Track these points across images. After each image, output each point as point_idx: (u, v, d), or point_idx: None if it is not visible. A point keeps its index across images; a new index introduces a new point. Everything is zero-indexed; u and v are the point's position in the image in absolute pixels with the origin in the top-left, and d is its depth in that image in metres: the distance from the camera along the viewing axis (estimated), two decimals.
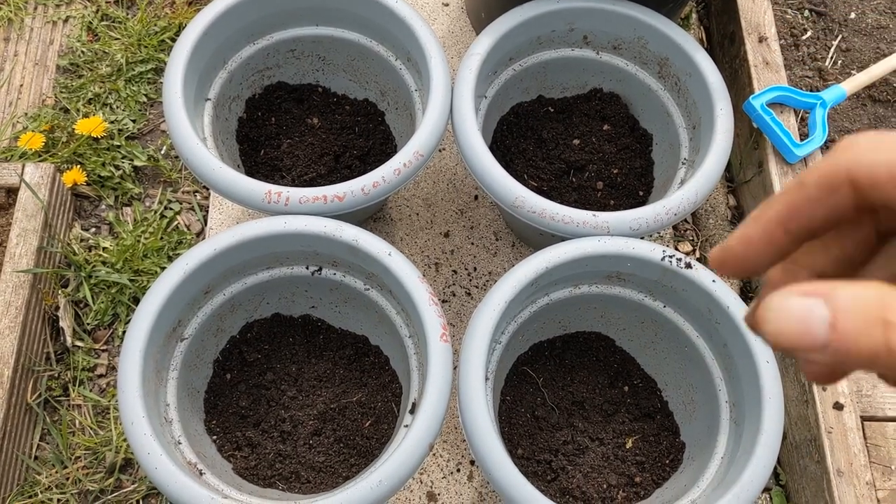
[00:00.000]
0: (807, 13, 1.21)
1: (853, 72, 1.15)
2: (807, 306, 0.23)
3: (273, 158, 1.03)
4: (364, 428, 0.86)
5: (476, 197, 1.11)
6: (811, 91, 1.12)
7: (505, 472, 0.70)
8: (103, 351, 1.02)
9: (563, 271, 0.82)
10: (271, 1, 0.95)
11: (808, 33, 1.19)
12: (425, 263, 1.06)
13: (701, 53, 0.93)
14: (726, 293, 0.79)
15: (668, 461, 0.87)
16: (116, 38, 1.22)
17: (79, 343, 1.01)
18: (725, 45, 1.16)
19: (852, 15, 1.21)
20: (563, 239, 0.83)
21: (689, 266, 0.81)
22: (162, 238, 1.07)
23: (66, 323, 1.01)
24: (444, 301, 1.04)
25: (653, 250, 0.81)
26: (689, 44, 0.94)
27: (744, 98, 1.05)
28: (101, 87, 1.18)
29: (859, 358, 0.22)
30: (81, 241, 1.07)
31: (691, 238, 1.10)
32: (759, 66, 1.07)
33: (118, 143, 1.13)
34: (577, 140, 1.04)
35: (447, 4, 1.25)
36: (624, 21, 0.96)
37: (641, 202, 1.02)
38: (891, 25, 1.20)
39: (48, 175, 1.02)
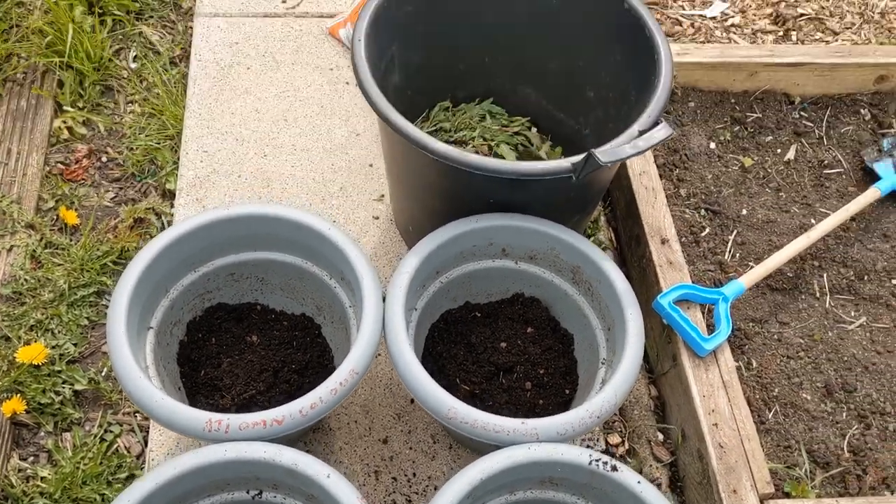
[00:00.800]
0: (703, 212, 1.34)
1: (750, 263, 1.27)
2: None
3: (213, 378, 1.06)
4: None
5: (412, 400, 1.16)
6: (714, 285, 1.22)
7: None
8: None
9: (497, 481, 0.86)
10: (211, 234, 1.02)
11: (707, 230, 1.31)
12: (365, 472, 1.08)
13: (608, 262, 1.02)
14: (652, 494, 0.84)
15: None
16: (59, 264, 1.27)
17: None
18: (633, 245, 1.27)
19: (744, 211, 1.34)
20: (496, 443, 0.87)
21: (615, 469, 0.85)
22: (101, 463, 1.08)
23: None
24: None
25: (580, 455, 0.86)
26: (597, 254, 1.03)
27: (653, 295, 1.14)
28: (43, 314, 1.21)
29: None
30: (19, 471, 1.06)
31: (619, 430, 1.15)
32: (663, 266, 1.17)
33: (59, 369, 1.15)
34: (503, 343, 1.11)
35: (377, 217, 1.35)
36: (536, 236, 1.06)
37: (568, 399, 1.08)
38: (778, 219, 1.33)
39: None
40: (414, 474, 1.09)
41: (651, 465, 1.10)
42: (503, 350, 1.10)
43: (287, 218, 1.03)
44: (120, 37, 1.61)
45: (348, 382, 0.90)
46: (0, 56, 1.50)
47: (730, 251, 1.29)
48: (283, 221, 1.03)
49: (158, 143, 1.43)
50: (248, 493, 0.89)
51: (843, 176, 1.42)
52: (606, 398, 0.91)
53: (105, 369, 1.18)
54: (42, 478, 1.06)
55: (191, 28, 1.61)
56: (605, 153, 0.91)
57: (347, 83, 1.51)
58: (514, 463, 0.85)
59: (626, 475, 0.85)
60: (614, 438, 1.14)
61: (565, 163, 0.95)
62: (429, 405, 0.89)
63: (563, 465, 0.86)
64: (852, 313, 1.24)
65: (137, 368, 0.88)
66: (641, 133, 0.96)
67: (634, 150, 0.93)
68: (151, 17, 1.65)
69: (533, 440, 0.87)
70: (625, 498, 0.86)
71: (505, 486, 0.89)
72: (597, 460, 0.86)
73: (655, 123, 0.97)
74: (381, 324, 0.96)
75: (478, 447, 1.03)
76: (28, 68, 1.51)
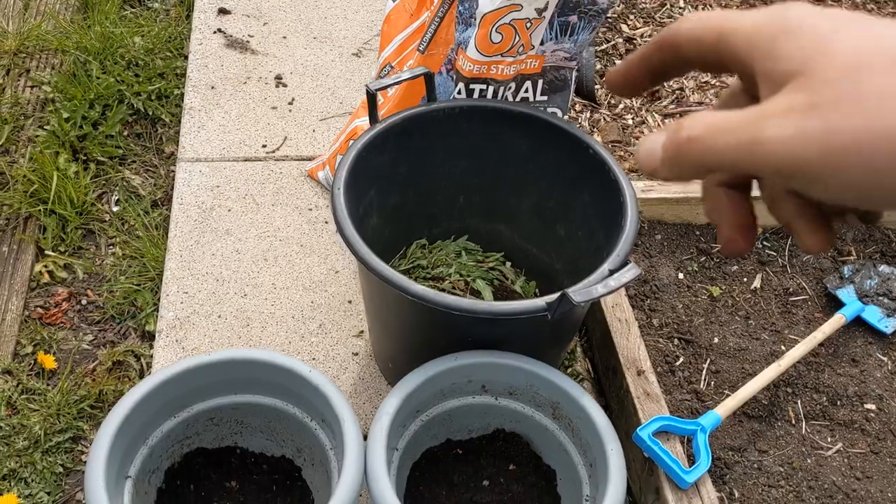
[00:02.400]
0: (676, 341, 1.37)
1: (725, 391, 1.29)
2: (653, 138, 0.33)
3: None
4: None
5: None
6: (692, 414, 1.24)
7: None
8: None
9: None
10: (191, 379, 1.03)
11: (681, 359, 1.34)
12: None
13: (587, 398, 1.04)
14: None
15: None
16: (35, 410, 1.26)
17: None
18: (609, 376, 1.29)
19: (715, 339, 1.37)
20: None
21: None
22: None
23: None
24: None
25: None
26: (576, 390, 1.05)
27: (633, 426, 1.15)
28: (16, 462, 1.19)
29: (668, 160, 0.32)
30: None
31: None
32: (641, 398, 1.18)
33: None
34: (486, 481, 1.10)
35: (356, 353, 1.36)
36: (515, 372, 1.08)
37: None
38: (749, 347, 1.37)
39: None
40: None
41: None
42: (486, 489, 1.10)
43: (268, 362, 1.04)
44: (103, 182, 1.65)
45: None
46: None
47: (705, 380, 1.31)
48: (263, 365, 1.04)
49: (139, 286, 1.45)
50: None
51: (809, 302, 1.46)
52: None
53: None
54: None
55: (173, 172, 1.66)
56: (579, 293, 0.95)
57: (326, 222, 1.56)
58: None
59: None
60: None
61: (540, 302, 0.98)
62: None
63: None
64: (828, 439, 1.25)
65: None
66: (612, 272, 1.00)
67: (606, 290, 0.96)
68: (134, 161, 1.71)
69: None
70: None
71: None
72: None
73: (624, 263, 1.01)
74: (363, 467, 0.95)
75: None
76: (11, 215, 1.54)
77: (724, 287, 1.47)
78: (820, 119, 0.28)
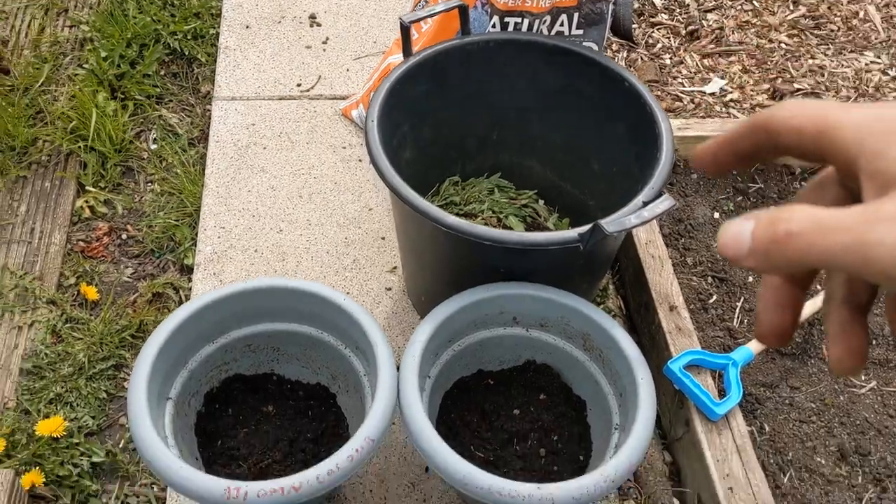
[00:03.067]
0: (710, 279, 1.36)
1: None
2: (740, 223, 0.31)
3: (230, 448, 1.08)
4: None
5: (427, 469, 1.16)
6: (723, 351, 1.24)
7: None
8: None
9: None
10: (230, 306, 1.05)
11: (714, 297, 1.33)
12: None
13: (618, 329, 1.04)
14: None
15: None
16: (79, 339, 1.30)
17: None
18: (642, 312, 1.29)
19: (750, 279, 1.37)
20: None
21: None
22: None
23: None
24: None
25: None
26: (607, 321, 1.05)
27: (664, 361, 1.16)
28: (62, 387, 1.23)
29: (760, 251, 0.30)
30: None
31: (635, 496, 1.15)
32: (673, 333, 1.19)
33: (77, 441, 1.17)
34: (517, 410, 1.12)
35: (390, 289, 1.38)
36: (546, 304, 1.08)
37: (583, 465, 1.08)
38: None
39: (7, 481, 1.04)
40: None
41: None
42: (516, 417, 1.11)
43: (303, 290, 1.06)
44: (141, 120, 1.68)
45: (364, 449, 0.91)
46: (26, 141, 1.56)
47: (738, 317, 1.31)
48: (299, 293, 1.06)
49: (177, 221, 1.48)
50: None
51: None
52: (621, 462, 0.92)
53: (122, 441, 1.20)
54: None
55: (209, 111, 1.67)
56: (611, 223, 0.95)
57: (360, 160, 1.57)
58: None
59: None
60: None
61: (572, 233, 0.98)
62: (444, 472, 0.90)
63: None
64: (862, 377, 1.24)
65: (157, 437, 0.90)
66: (646, 204, 0.99)
67: (639, 220, 0.96)
68: (171, 101, 1.72)
69: None
70: None
71: None
72: None
73: (658, 195, 1.00)
74: (396, 391, 0.97)
75: None
76: (52, 151, 1.57)
77: None
78: None
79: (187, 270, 1.42)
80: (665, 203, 0.98)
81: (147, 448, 0.89)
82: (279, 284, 1.07)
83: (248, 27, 1.82)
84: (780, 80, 1.79)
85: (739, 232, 0.31)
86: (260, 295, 1.06)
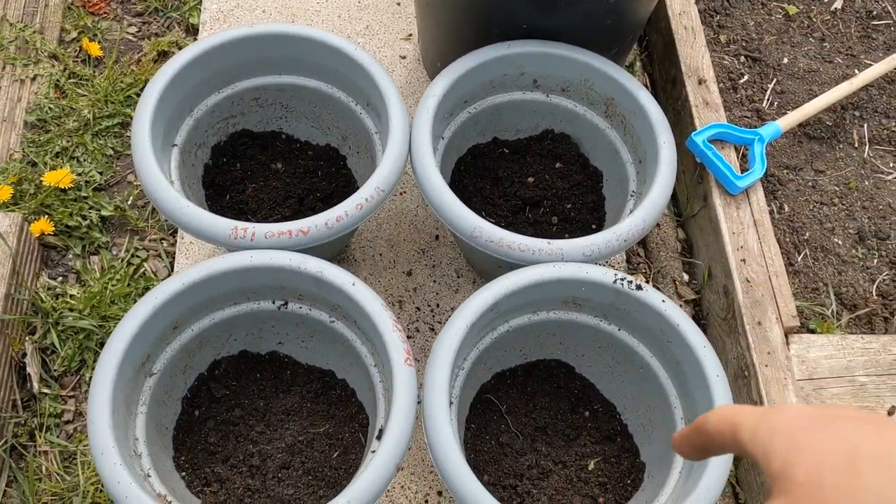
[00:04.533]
0: (743, 59, 1.29)
1: (789, 112, 1.22)
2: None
3: (238, 202, 1.06)
4: (332, 459, 0.88)
5: (437, 237, 1.15)
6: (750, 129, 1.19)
7: (469, 489, 0.72)
8: (70, 397, 1.03)
9: (521, 297, 0.86)
10: (235, 52, 1.00)
11: (745, 77, 1.27)
12: (389, 301, 1.09)
13: (643, 92, 0.99)
14: (676, 312, 0.83)
15: (629, 481, 0.89)
16: (83, 95, 1.25)
17: (46, 390, 1.02)
18: (668, 88, 1.23)
19: (785, 60, 1.29)
20: (521, 263, 0.87)
21: (639, 288, 0.85)
22: (129, 284, 1.09)
23: (33, 369, 1.01)
24: (408, 337, 1.06)
25: (605, 274, 0.85)
26: (633, 84, 1.00)
27: (687, 136, 1.11)
28: (68, 142, 1.21)
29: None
30: (49, 289, 1.08)
31: (644, 270, 1.15)
32: (699, 107, 1.13)
33: (85, 195, 1.16)
34: (531, 178, 1.09)
35: (404, 57, 1.31)
36: (571, 65, 1.02)
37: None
38: (821, 69, 1.28)
39: (16, 224, 1.03)
40: (437, 304, 1.09)
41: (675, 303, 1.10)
42: (530, 185, 1.08)
43: (313, 38, 1.00)
44: None
45: (374, 199, 0.89)
46: None
47: (768, 99, 1.25)
48: (309, 41, 1.00)
49: None
50: (273, 302, 0.90)
51: (892, 28, 1.35)
52: (635, 223, 0.89)
53: (131, 198, 1.18)
54: (71, 295, 1.07)
55: None
56: None
57: None
58: (540, 279, 0.84)
59: (651, 294, 0.85)
60: (639, 279, 1.13)
61: None
62: (454, 224, 0.89)
63: (588, 284, 0.86)
64: (891, 164, 1.20)
65: (163, 177, 0.88)
66: None
67: None
68: None
69: (558, 260, 0.86)
70: (648, 317, 0.85)
71: (528, 304, 0.89)
72: (622, 279, 0.85)
73: None
74: (408, 145, 0.94)
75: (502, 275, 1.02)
76: None
77: (801, 6, 1.36)
78: None
79: (192, 30, 1.35)
80: None
81: (153, 187, 0.87)
82: (288, 31, 1.00)
83: None
84: None
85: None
86: (267, 41, 1.01)
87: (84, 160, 1.20)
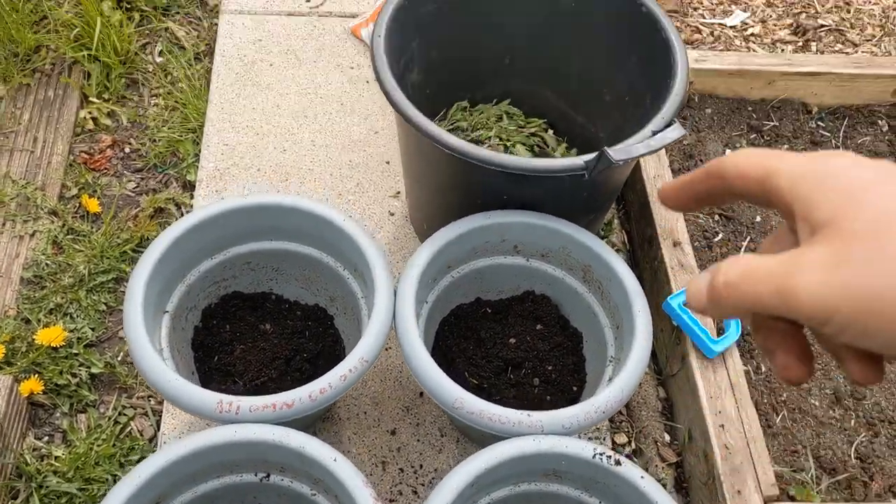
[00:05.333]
0: (717, 217, 1.34)
1: None
2: (701, 278, 0.35)
3: (226, 364, 1.08)
4: None
5: (421, 394, 1.17)
6: None
7: None
8: None
9: (501, 471, 0.87)
10: (229, 222, 1.04)
11: (720, 235, 1.32)
12: (372, 462, 1.10)
13: (619, 262, 1.03)
14: (654, 489, 0.84)
15: None
16: (80, 251, 1.29)
17: None
18: (645, 247, 1.27)
19: (758, 218, 1.35)
20: (502, 434, 0.88)
21: (618, 463, 0.86)
22: (114, 445, 1.10)
23: None
24: (391, 501, 1.07)
25: (584, 448, 0.87)
26: (608, 253, 1.04)
27: (665, 297, 1.15)
28: (62, 298, 1.24)
29: (711, 302, 0.34)
30: (34, 450, 1.08)
31: (626, 430, 1.16)
32: (675, 269, 1.17)
33: (76, 352, 1.18)
34: (513, 339, 1.12)
35: (393, 214, 1.36)
36: (550, 234, 1.07)
37: (576, 396, 1.09)
38: None
39: (6, 387, 1.05)
40: (421, 466, 1.10)
41: (657, 466, 1.11)
42: (512, 346, 1.11)
43: (304, 209, 1.05)
44: (146, 31, 1.64)
45: (357, 370, 0.91)
46: (30, 47, 1.53)
47: None
48: (299, 212, 1.05)
49: (180, 136, 1.46)
50: (255, 475, 0.90)
51: None
52: (612, 394, 0.92)
53: (121, 354, 1.20)
54: (56, 457, 1.08)
55: (216, 25, 1.63)
56: (618, 151, 0.93)
57: (367, 82, 1.53)
58: (520, 453, 0.86)
59: (630, 470, 0.86)
60: (621, 438, 1.15)
61: (578, 160, 0.96)
62: (436, 395, 0.91)
63: (568, 458, 0.87)
64: None
65: (152, 348, 0.90)
66: (655, 133, 0.97)
67: (647, 149, 0.94)
68: (178, 13, 1.68)
69: (538, 432, 0.88)
70: (628, 493, 0.86)
71: (509, 477, 0.90)
72: (601, 454, 0.86)
73: (669, 125, 0.98)
74: (392, 314, 0.97)
75: (483, 439, 1.03)
76: (56, 59, 1.54)
77: None
78: (844, 275, 0.30)
79: (189, 186, 1.41)
80: (675, 132, 0.96)
81: (142, 359, 0.89)
82: (281, 202, 1.05)
83: None
84: (804, 14, 1.73)
85: (699, 287, 0.35)
86: (261, 211, 1.05)
87: (77, 316, 1.23)
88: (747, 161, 0.35)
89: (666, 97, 1.02)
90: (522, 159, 1.00)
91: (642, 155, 0.93)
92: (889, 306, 0.29)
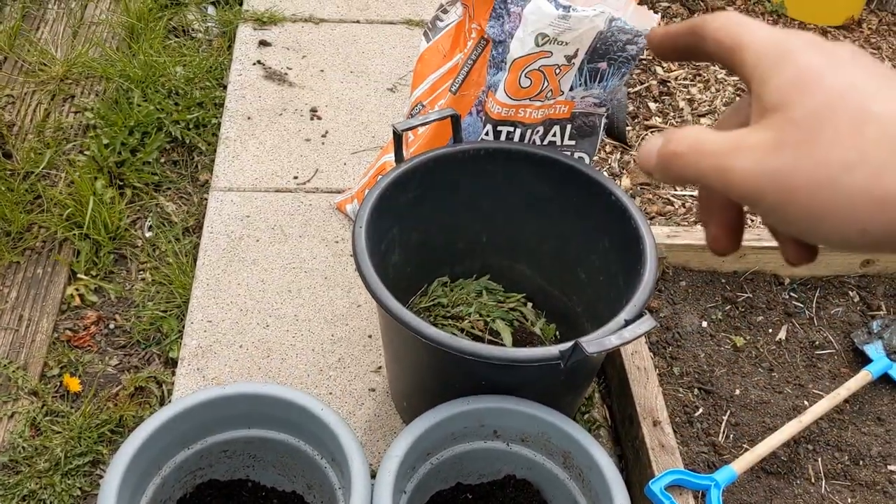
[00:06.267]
0: (696, 391, 1.35)
1: (744, 444, 1.27)
2: (654, 141, 0.35)
3: None
4: None
5: None
6: (708, 467, 1.22)
7: None
8: None
9: None
10: (209, 411, 1.04)
11: (700, 410, 1.32)
12: None
13: (598, 449, 1.03)
14: None
15: None
16: (58, 432, 1.28)
17: None
18: (626, 425, 1.27)
19: (737, 392, 1.35)
20: None
21: None
22: None
23: None
24: None
25: None
26: (588, 441, 1.04)
27: (647, 478, 1.14)
28: (36, 484, 1.22)
29: (658, 167, 0.35)
30: None
31: None
32: (656, 449, 1.17)
33: None
34: None
35: (373, 390, 1.37)
36: (528, 420, 1.07)
37: None
38: (771, 400, 1.34)
39: None
40: None
41: None
42: None
43: (281, 398, 1.05)
44: (138, 207, 1.69)
45: None
46: (22, 227, 1.58)
47: (723, 432, 1.29)
48: (277, 401, 1.05)
49: (165, 312, 1.48)
50: None
51: (835, 357, 1.44)
52: None
53: None
54: None
55: (206, 200, 1.69)
56: (591, 343, 0.94)
57: (351, 255, 1.57)
58: None
59: None
60: None
61: (553, 350, 0.98)
62: None
63: None
64: (849, 500, 1.22)
65: None
66: (628, 322, 0.99)
67: (620, 341, 0.96)
68: (169, 188, 1.75)
69: None
70: None
71: None
72: None
73: (640, 314, 1.00)
74: None
75: None
76: (47, 238, 1.58)
77: (748, 337, 1.45)
78: (774, 162, 0.31)
79: (171, 364, 1.41)
80: (645, 325, 0.98)
81: None
82: (258, 391, 1.06)
83: (249, 118, 1.86)
84: None
85: (650, 150, 0.35)
86: (238, 401, 1.06)
87: (50, 502, 1.20)
88: (723, 28, 0.36)
89: (637, 285, 1.05)
90: (499, 350, 1.01)
91: (616, 347, 0.95)
92: (805, 197, 0.30)
